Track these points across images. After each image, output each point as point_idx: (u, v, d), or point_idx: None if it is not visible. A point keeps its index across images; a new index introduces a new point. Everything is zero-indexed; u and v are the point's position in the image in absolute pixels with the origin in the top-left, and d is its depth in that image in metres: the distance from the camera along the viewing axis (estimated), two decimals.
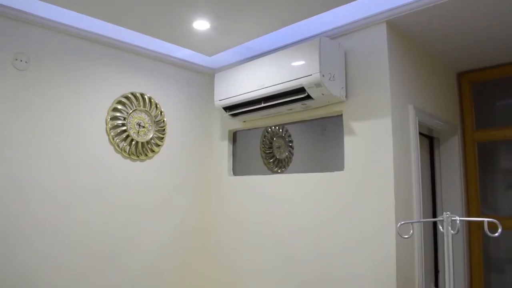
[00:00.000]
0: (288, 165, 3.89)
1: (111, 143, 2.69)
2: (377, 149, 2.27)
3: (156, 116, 2.95)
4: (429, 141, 3.17)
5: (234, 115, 2.88)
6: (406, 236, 1.91)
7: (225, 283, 3.06)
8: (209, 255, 3.19)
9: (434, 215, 3.03)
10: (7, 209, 2.23)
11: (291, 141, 3.92)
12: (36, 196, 2.34)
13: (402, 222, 1.92)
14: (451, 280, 1.75)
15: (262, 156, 3.60)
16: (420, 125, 2.57)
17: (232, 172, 3.17)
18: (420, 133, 2.67)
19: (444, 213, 1.79)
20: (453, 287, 1.75)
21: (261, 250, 2.81)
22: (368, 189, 2.29)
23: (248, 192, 2.96)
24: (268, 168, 3.66)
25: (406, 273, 2.22)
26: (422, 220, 2.55)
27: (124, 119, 2.77)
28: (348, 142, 2.40)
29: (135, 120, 2.83)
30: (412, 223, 2.02)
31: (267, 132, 3.66)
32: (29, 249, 2.29)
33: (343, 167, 2.41)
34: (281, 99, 2.51)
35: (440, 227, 1.81)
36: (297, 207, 2.62)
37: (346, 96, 2.42)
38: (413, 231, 2.22)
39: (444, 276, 1.84)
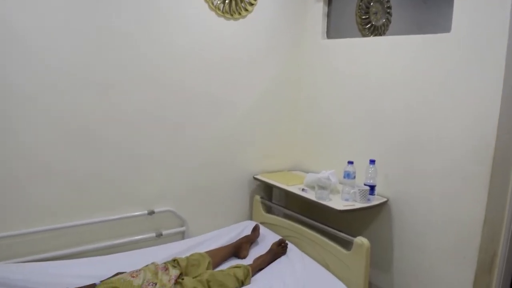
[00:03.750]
0: (384, 33, 3.67)
1: (205, 0, 2.67)
2: (491, 11, 2.04)
3: None
4: None
5: None
6: None
7: (314, 139, 3.15)
8: (299, 114, 3.25)
9: None
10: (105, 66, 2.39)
11: (389, 7, 3.63)
12: (132, 54, 2.47)
13: None
14: None
15: (357, 22, 3.41)
16: None
17: (325, 35, 3.06)
18: None
19: None
20: None
21: (351, 110, 2.81)
22: (476, 55, 2.11)
23: (341, 55, 2.88)
24: (363, 35, 3.49)
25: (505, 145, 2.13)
26: None
27: None
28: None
29: None
30: None
31: None
32: (131, 105, 2.50)
33: (450, 29, 2.22)
34: None
35: None
36: (392, 70, 2.52)
37: None
38: None
39: None
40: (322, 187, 2.53)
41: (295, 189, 2.76)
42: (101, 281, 2.06)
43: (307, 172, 3.07)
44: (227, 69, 2.85)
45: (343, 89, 2.87)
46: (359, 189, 2.48)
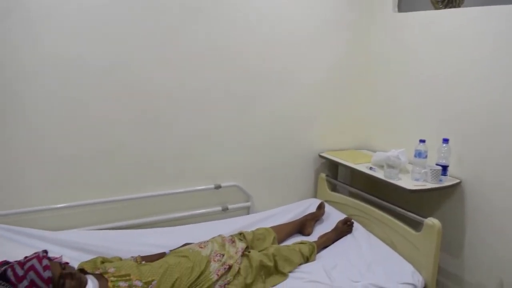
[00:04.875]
0: (459, 6, 3.44)
1: None
2: None
3: None
4: None
5: None
6: None
7: (382, 117, 3.05)
8: (367, 90, 3.13)
9: None
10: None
11: None
12: (204, 30, 2.49)
13: None
14: None
15: None
16: None
17: (396, 8, 2.92)
18: None
19: None
20: None
21: (423, 87, 2.67)
22: None
23: (413, 29, 2.73)
24: (436, 8, 3.29)
25: None
26: None
27: None
28: None
29: None
30: None
31: None
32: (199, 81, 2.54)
33: None
34: None
35: None
36: (469, 45, 2.36)
37: None
38: None
39: None
40: (391, 166, 2.45)
41: (362, 167, 2.70)
42: (171, 251, 2.15)
43: (374, 151, 2.98)
44: (293, 45, 2.80)
45: (415, 64, 2.73)
46: (430, 169, 2.37)
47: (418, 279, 2.13)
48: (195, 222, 2.59)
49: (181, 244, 2.22)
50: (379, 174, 2.55)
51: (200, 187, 2.66)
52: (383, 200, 2.56)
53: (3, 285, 1.53)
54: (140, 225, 2.48)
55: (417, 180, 2.42)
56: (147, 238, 2.32)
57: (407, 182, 2.40)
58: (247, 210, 2.86)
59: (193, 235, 2.32)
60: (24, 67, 2.09)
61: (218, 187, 2.70)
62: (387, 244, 2.41)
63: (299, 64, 2.86)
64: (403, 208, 2.41)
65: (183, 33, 2.43)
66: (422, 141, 2.46)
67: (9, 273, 1.55)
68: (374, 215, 2.56)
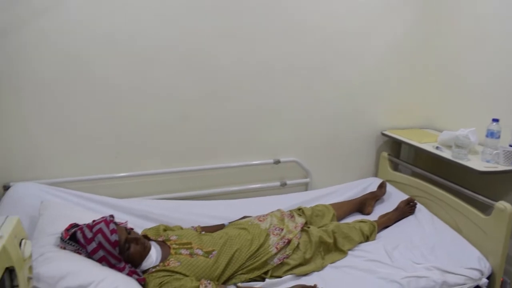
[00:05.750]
0: None
1: None
2: None
3: None
4: None
5: None
6: None
7: (450, 95, 2.89)
8: (433, 66, 2.96)
9: None
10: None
11: None
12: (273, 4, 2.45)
13: None
14: None
15: None
16: None
17: None
18: None
19: None
20: None
21: (495, 63, 2.49)
22: None
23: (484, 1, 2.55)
24: None
25: None
26: None
27: None
28: None
29: None
30: None
31: None
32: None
33: None
34: None
35: None
36: None
37: None
38: None
39: None
40: (460, 146, 2.32)
41: (428, 146, 2.58)
42: (229, 222, 2.18)
43: (440, 130, 2.84)
44: (358, 18, 2.70)
45: (486, 37, 2.55)
46: (503, 150, 2.23)
47: (485, 265, 2.03)
48: (253, 196, 2.61)
49: (239, 217, 2.24)
50: (446, 154, 2.43)
51: (259, 161, 2.67)
52: (450, 181, 2.45)
53: (73, 245, 1.61)
54: (199, 197, 2.53)
55: (487, 161, 2.29)
56: (206, 209, 2.37)
57: (476, 163, 2.28)
58: (305, 186, 2.84)
59: (251, 208, 2.34)
60: (96, 38, 2.16)
61: (277, 162, 2.69)
62: (452, 227, 2.31)
63: (363, 39, 2.76)
64: (471, 190, 2.29)
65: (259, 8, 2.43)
66: (495, 120, 2.31)
67: (79, 235, 1.63)
68: (439, 196, 2.46)
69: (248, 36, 2.45)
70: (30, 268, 1.21)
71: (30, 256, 1.19)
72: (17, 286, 1.08)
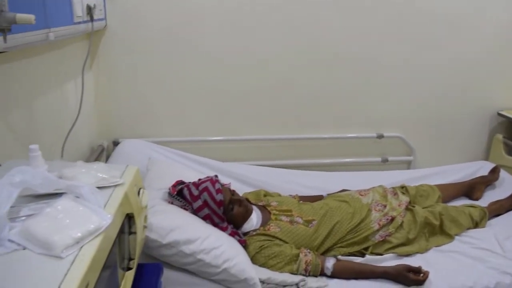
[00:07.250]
0: None
1: None
2: None
3: None
4: None
5: None
6: None
7: None
8: None
9: None
10: None
11: None
12: None
13: None
14: None
15: None
16: None
17: None
18: None
19: None
20: None
21: None
22: None
23: None
24: None
25: None
26: None
27: None
28: None
29: None
30: None
31: None
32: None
33: None
34: None
35: None
36: None
37: None
38: None
39: None
40: None
41: None
42: (328, 194, 2.13)
43: None
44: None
45: None
46: None
47: None
48: (352, 170, 2.53)
49: (338, 190, 2.18)
50: None
51: (362, 135, 2.58)
52: None
53: (180, 201, 1.67)
54: (298, 166, 2.52)
55: None
56: (305, 179, 2.36)
57: None
58: (408, 165, 2.71)
59: (351, 182, 2.28)
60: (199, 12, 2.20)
61: (380, 136, 2.58)
62: None
63: (478, 3, 2.49)
64: None
65: None
66: None
67: (185, 191, 1.69)
68: None
69: (356, 4, 2.35)
70: (146, 217, 1.25)
71: (146, 206, 1.23)
72: (135, 233, 1.12)
